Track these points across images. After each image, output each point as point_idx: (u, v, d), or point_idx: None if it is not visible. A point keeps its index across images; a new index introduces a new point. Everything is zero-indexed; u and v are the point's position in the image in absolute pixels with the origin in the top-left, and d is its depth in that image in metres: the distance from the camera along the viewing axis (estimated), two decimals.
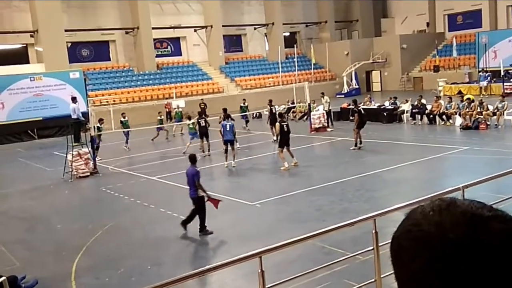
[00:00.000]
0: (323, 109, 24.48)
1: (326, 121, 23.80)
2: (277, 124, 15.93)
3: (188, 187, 10.16)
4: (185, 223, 10.10)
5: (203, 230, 9.88)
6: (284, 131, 15.41)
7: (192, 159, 10.18)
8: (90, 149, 17.51)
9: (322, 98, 25.12)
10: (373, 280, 5.50)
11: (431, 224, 0.84)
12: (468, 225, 0.82)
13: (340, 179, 13.68)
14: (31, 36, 34.89)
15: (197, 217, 9.95)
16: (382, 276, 5.33)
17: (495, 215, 0.84)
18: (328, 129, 23.32)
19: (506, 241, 0.81)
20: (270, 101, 23.41)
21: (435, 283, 0.81)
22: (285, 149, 15.47)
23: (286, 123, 15.79)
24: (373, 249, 5.28)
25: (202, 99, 31.93)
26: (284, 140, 15.45)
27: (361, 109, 18.66)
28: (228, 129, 16.51)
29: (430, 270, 0.82)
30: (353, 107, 19.54)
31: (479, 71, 35.35)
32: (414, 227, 0.86)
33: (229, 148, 16.46)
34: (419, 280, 0.83)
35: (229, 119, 17.13)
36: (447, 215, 0.85)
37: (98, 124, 20.03)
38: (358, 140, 17.85)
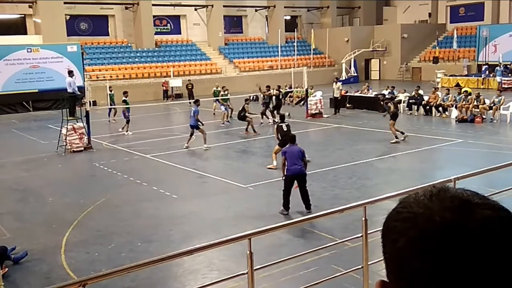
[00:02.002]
0: (333, 95, 24.25)
1: (322, 107, 23.74)
2: (275, 126, 15.29)
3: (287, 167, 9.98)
4: (307, 203, 9.92)
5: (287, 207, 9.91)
6: (284, 131, 14.38)
7: (293, 138, 10.44)
8: (85, 123, 17.45)
9: (334, 84, 24.61)
10: (360, 266, 5.55)
11: (420, 206, 0.87)
12: (455, 209, 0.84)
13: (333, 166, 13.73)
14: (30, 6, 34.46)
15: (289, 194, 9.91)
16: (369, 263, 5.38)
17: (485, 202, 0.86)
18: (324, 115, 23.30)
19: (493, 228, 0.82)
20: (279, 86, 23.38)
21: (416, 262, 0.83)
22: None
23: (286, 123, 14.86)
24: (362, 236, 5.31)
25: (189, 80, 31.81)
26: (283, 141, 14.57)
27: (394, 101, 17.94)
28: (192, 114, 16.76)
29: (413, 249, 0.83)
30: (384, 100, 18.71)
31: (484, 65, 35.19)
32: (404, 209, 0.89)
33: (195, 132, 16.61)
34: (402, 257, 0.85)
35: (196, 104, 17.11)
36: (436, 199, 0.87)
37: (124, 97, 20.62)
38: (398, 132, 16.86)
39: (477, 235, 0.81)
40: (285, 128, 14.64)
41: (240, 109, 19.79)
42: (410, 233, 0.84)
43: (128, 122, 20.27)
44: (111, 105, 23.62)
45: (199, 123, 16.59)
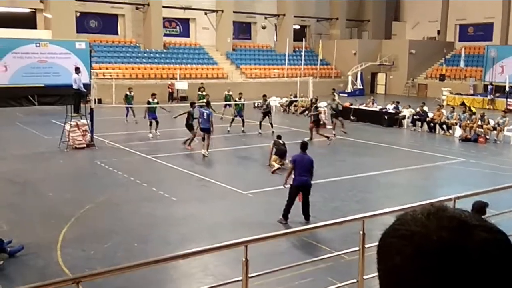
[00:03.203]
0: (325, 107, 24.29)
1: (327, 118, 23.73)
2: (270, 145, 15.06)
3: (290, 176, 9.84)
4: (307, 214, 9.76)
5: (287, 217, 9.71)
6: (280, 147, 14.68)
7: (305, 146, 10.01)
8: (89, 121, 17.48)
9: (333, 95, 24.62)
10: (355, 280, 5.53)
11: (418, 225, 0.87)
12: (453, 230, 0.84)
13: (334, 178, 13.71)
14: (41, 1, 34.66)
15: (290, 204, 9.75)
16: (365, 277, 5.36)
17: (482, 224, 0.86)
18: (328, 127, 23.28)
19: (489, 250, 0.82)
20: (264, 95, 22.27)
21: (413, 280, 0.83)
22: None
23: (282, 142, 14.93)
24: (359, 250, 5.30)
25: (202, 83, 31.85)
26: (281, 154, 14.74)
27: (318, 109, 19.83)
28: (205, 117, 16.17)
29: (409, 266, 0.84)
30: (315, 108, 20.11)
31: (489, 85, 35.15)
32: (401, 226, 0.89)
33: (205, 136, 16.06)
34: (398, 274, 0.85)
35: (208, 107, 16.72)
36: (434, 218, 0.87)
37: (150, 99, 20.28)
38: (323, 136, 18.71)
39: (475, 257, 0.81)
40: (280, 145, 14.73)
41: (186, 116, 17.66)
42: (406, 251, 0.85)
43: (150, 124, 19.81)
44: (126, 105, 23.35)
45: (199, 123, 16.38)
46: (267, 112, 21.31)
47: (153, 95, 20.70)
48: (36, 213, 10.48)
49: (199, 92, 25.09)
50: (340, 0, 46.67)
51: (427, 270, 0.82)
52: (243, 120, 21.45)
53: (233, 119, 21.44)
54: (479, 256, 0.81)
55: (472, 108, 23.22)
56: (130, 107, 22.95)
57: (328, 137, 18.65)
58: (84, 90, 19.32)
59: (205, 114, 16.24)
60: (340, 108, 22.73)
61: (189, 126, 17.38)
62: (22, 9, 35.58)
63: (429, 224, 0.86)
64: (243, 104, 21.96)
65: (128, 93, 23.66)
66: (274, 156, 14.69)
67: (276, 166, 14.41)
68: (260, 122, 20.94)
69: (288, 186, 9.93)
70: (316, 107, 20.13)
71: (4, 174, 13.75)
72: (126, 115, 23.28)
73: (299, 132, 20.04)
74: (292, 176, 9.79)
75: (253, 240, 4.94)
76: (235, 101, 22.59)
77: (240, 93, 22.91)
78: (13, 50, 29.40)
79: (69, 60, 30.22)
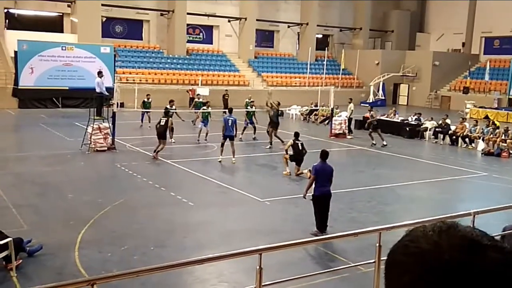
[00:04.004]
0: (346, 116, 24.28)
1: (347, 128, 23.67)
2: (290, 141, 15.00)
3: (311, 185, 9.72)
4: (324, 225, 9.57)
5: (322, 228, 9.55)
6: (298, 150, 14.68)
7: (325, 155, 9.84)
8: (111, 124, 17.70)
9: (348, 104, 24.69)
10: None
11: (429, 243, 0.85)
12: (465, 249, 0.83)
13: (353, 188, 13.60)
14: (68, 6, 35.36)
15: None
16: None
17: (494, 245, 0.85)
18: (348, 137, 23.19)
19: (501, 271, 0.81)
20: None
21: None
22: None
23: (301, 142, 14.93)
24: (374, 262, 5.25)
25: (226, 90, 32.00)
26: (296, 159, 14.72)
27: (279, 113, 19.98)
28: (230, 124, 16.18)
29: (420, 286, 0.82)
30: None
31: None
32: (411, 243, 0.87)
33: (229, 143, 16.08)
34: None
35: (231, 113, 16.71)
36: (446, 236, 0.86)
37: (145, 99, 20.92)
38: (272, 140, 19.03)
39: (486, 278, 0.80)
40: (300, 147, 14.72)
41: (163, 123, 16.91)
42: (417, 270, 0.83)
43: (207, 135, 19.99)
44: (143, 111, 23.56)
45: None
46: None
47: (171, 101, 20.89)
48: (55, 214, 10.64)
49: (196, 99, 25.06)
50: (365, 9, 46.54)
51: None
52: (254, 128, 21.41)
53: (245, 127, 21.25)
54: (490, 277, 0.80)
55: (496, 122, 22.86)
56: (147, 112, 23.18)
57: (282, 141, 18.31)
58: (107, 93, 19.59)
59: (229, 121, 16.25)
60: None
61: (162, 135, 16.80)
62: (50, 13, 36.33)
63: (441, 242, 0.84)
64: (254, 111, 21.80)
65: (146, 99, 23.87)
66: (286, 155, 14.91)
67: (288, 170, 14.72)
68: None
69: (309, 195, 9.79)
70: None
71: (26, 174, 14.00)
72: (142, 120, 23.64)
73: (317, 141, 19.98)
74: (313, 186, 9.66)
75: (267, 248, 4.94)
76: (248, 108, 22.18)
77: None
78: (39, 53, 29.98)
79: (94, 64, 30.71)
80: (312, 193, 9.58)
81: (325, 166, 9.74)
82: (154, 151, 16.67)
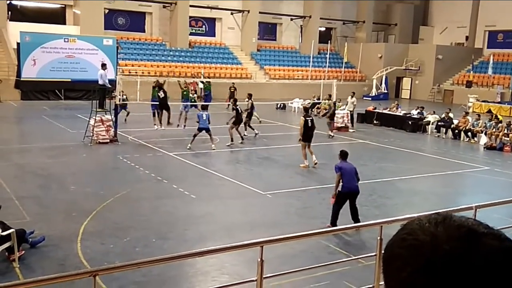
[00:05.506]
0: (347, 109, 24.26)
1: (349, 121, 23.65)
2: (302, 118, 15.29)
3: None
4: (356, 218, 9.54)
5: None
6: (308, 127, 15.06)
7: (345, 155, 9.98)
8: (113, 116, 17.72)
9: (350, 98, 24.69)
10: (371, 285, 5.50)
11: (426, 234, 0.86)
12: (462, 238, 0.84)
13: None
14: None
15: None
16: (381, 283, 5.32)
17: (490, 232, 0.86)
18: (350, 130, 23.17)
19: (498, 258, 0.82)
20: (250, 95, 21.25)
21: None
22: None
23: (310, 118, 15.36)
24: (375, 255, 5.27)
25: (233, 83, 31.92)
26: (307, 135, 15.09)
27: (239, 108, 18.73)
28: (204, 118, 16.94)
29: (420, 278, 0.83)
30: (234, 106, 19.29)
31: None
32: (409, 235, 0.88)
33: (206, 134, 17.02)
34: (408, 285, 0.84)
35: (205, 110, 17.53)
36: (442, 227, 0.86)
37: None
38: (236, 136, 18.50)
39: (484, 265, 0.81)
40: (309, 124, 14.92)
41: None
42: (416, 262, 0.84)
43: (154, 115, 20.87)
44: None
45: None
46: (251, 113, 20.51)
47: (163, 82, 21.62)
48: (58, 205, 10.67)
49: (182, 88, 24.32)
50: (368, 2, 46.34)
51: (438, 280, 0.81)
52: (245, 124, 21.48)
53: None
54: (488, 264, 0.81)
55: (499, 116, 22.80)
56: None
57: (242, 137, 18.72)
58: (109, 85, 19.59)
59: (203, 116, 16.98)
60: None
61: (166, 106, 19.85)
62: (52, 5, 36.27)
63: (438, 233, 0.85)
64: (209, 86, 23.10)
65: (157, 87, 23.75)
66: (302, 143, 15.13)
67: (306, 163, 14.91)
68: (245, 124, 19.81)
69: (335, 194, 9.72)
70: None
71: (29, 166, 14.04)
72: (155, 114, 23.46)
73: (320, 134, 19.95)
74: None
75: (269, 241, 4.95)
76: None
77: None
78: (42, 45, 29.96)
79: (96, 56, 30.69)
80: (339, 190, 9.58)
81: (346, 164, 9.83)
82: (168, 123, 19.83)
